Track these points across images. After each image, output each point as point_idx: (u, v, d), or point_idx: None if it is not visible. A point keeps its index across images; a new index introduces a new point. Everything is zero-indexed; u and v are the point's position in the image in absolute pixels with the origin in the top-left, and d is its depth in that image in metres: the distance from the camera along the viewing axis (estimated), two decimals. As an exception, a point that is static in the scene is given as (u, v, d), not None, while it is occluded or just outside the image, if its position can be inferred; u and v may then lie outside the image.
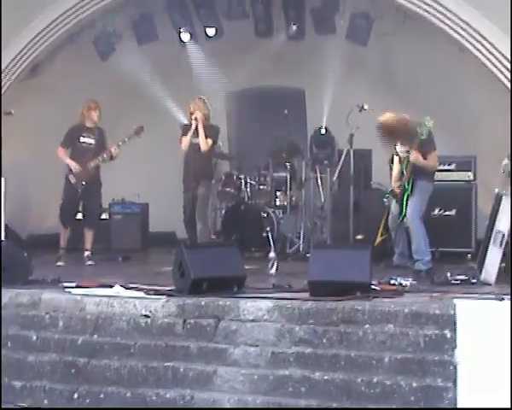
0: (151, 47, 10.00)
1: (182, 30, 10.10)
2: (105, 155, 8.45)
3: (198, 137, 8.37)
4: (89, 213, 8.61)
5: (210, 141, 8.39)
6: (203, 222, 8.45)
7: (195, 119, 8.33)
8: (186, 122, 8.43)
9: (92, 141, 8.50)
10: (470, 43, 8.38)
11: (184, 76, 10.45)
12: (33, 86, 9.87)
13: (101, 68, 10.16)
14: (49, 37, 9.51)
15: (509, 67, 8.20)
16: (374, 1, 8.99)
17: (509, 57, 8.18)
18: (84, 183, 8.40)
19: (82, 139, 8.51)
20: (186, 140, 8.41)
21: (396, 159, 7.71)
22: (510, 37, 8.00)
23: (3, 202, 8.04)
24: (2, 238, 7.75)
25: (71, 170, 8.44)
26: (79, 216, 8.72)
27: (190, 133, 8.37)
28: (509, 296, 5.30)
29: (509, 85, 8.26)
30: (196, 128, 8.34)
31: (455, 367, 4.75)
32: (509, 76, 8.22)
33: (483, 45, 8.31)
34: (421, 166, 7.25)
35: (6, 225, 8.26)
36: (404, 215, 7.38)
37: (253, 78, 10.95)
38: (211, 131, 8.43)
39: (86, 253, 8.59)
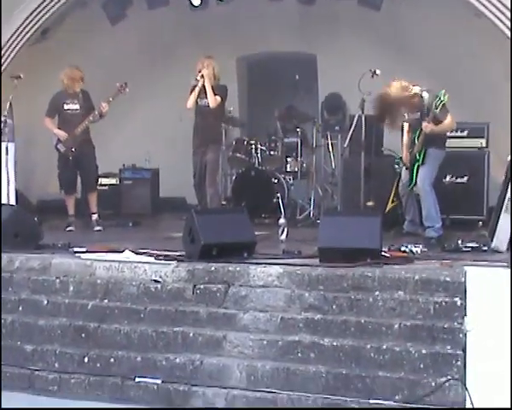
0: (161, 11, 9.91)
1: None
2: (91, 117, 8.40)
3: (205, 97, 8.24)
4: (86, 177, 8.61)
5: (218, 98, 8.25)
6: (214, 188, 8.41)
7: (202, 76, 8.22)
8: (194, 83, 8.32)
9: (77, 106, 8.48)
10: (486, 7, 8.24)
11: (195, 40, 10.37)
12: (42, 50, 9.83)
13: (110, 33, 10.10)
14: (59, 1, 9.43)
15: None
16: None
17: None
18: (73, 149, 8.41)
19: (66, 106, 8.49)
20: (191, 98, 8.31)
21: (406, 126, 7.65)
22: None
23: (14, 167, 8.06)
24: (14, 203, 7.78)
25: (59, 139, 8.46)
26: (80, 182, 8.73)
27: (196, 91, 8.28)
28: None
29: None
30: (203, 87, 8.24)
31: (464, 335, 4.75)
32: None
33: (499, 10, 8.16)
34: (436, 133, 7.19)
35: (16, 191, 8.28)
36: (414, 184, 7.35)
37: (264, 42, 10.86)
38: (219, 90, 8.29)
39: (94, 217, 8.61)
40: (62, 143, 8.46)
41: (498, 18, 8.20)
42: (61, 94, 8.56)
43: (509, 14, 8.11)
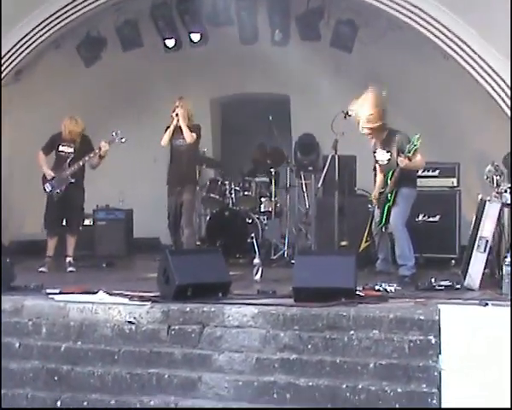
0: (136, 53, 9.97)
1: (166, 36, 10.07)
2: (87, 158, 8.38)
3: (180, 136, 8.28)
4: (70, 219, 8.59)
5: (194, 134, 8.29)
6: (190, 228, 8.39)
7: (176, 114, 8.28)
8: (168, 124, 8.37)
9: (71, 150, 8.50)
10: (453, 50, 8.42)
11: (169, 82, 10.43)
12: (15, 92, 9.82)
13: (84, 74, 10.13)
14: (33, 42, 9.46)
15: (491, 73, 8.25)
16: (359, 8, 9.01)
17: (491, 64, 8.23)
18: (58, 191, 8.39)
19: (60, 148, 8.52)
20: (166, 136, 8.33)
21: (378, 168, 7.71)
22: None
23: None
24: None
25: (46, 178, 8.44)
26: (64, 223, 8.68)
27: (170, 129, 8.31)
28: (493, 302, 5.33)
29: (491, 92, 8.30)
30: (178, 126, 8.26)
31: (439, 373, 4.76)
32: (492, 83, 8.27)
33: (465, 52, 8.35)
34: (407, 172, 7.25)
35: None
36: (384, 224, 7.38)
37: (237, 84, 10.96)
38: (193, 128, 8.34)
39: (68, 259, 8.55)
40: (49, 183, 8.43)
41: (465, 60, 8.38)
42: (58, 135, 8.56)
43: (474, 55, 8.29)
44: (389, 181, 7.35)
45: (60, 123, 8.60)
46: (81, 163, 8.40)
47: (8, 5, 8.97)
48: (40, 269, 8.24)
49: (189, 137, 8.22)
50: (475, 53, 8.29)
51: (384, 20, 8.95)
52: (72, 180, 8.42)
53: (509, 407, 4.58)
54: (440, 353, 4.86)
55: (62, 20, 9.35)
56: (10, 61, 9.50)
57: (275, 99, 11.06)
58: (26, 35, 9.38)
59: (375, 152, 7.57)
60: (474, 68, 8.35)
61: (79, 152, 8.46)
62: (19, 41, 9.40)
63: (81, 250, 9.50)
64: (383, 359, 4.93)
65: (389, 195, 7.34)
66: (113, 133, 8.50)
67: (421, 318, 5.08)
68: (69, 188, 8.43)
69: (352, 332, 5.11)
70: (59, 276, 8.01)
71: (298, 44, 9.79)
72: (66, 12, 9.28)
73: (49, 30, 9.40)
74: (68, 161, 8.44)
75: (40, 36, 9.41)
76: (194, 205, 8.72)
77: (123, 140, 8.53)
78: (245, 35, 9.94)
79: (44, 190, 8.50)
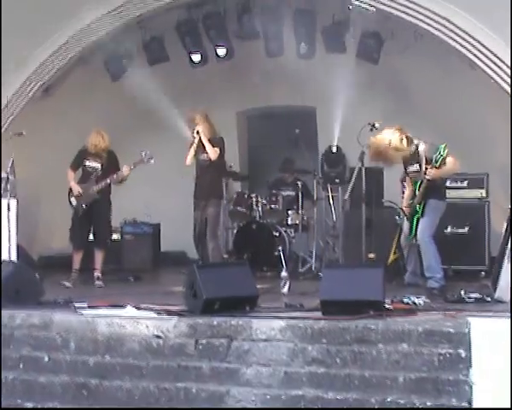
0: (162, 67, 10.04)
1: (192, 51, 10.13)
2: (115, 176, 8.46)
3: (204, 151, 8.30)
4: (97, 234, 8.67)
5: (217, 150, 8.30)
6: (214, 241, 8.41)
7: (197, 132, 8.30)
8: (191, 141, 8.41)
9: (98, 165, 8.58)
10: (481, 60, 8.37)
11: (195, 96, 10.48)
12: (45, 107, 9.93)
13: (112, 89, 10.22)
14: (61, 59, 9.58)
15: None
16: (384, 20, 8.99)
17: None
18: (84, 205, 8.46)
19: (87, 163, 8.60)
20: (190, 154, 8.36)
21: (407, 179, 7.68)
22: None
23: (16, 223, 8.08)
24: (15, 259, 7.77)
25: (72, 192, 8.53)
26: (91, 237, 8.74)
27: (193, 147, 8.34)
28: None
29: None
30: (201, 142, 8.28)
31: (470, 387, 4.70)
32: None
33: (493, 62, 8.29)
34: (437, 182, 7.20)
35: (18, 246, 8.28)
36: (414, 236, 7.34)
37: (263, 97, 10.99)
38: (216, 142, 8.34)
39: (96, 273, 8.60)
40: (75, 198, 8.51)
41: (492, 69, 8.32)
42: (84, 151, 8.65)
43: (501, 64, 8.23)
44: (417, 192, 7.31)
45: (86, 137, 8.68)
46: (108, 181, 8.47)
47: (38, 21, 9.10)
48: (65, 283, 8.28)
49: (212, 153, 8.25)
50: (503, 62, 8.22)
51: (410, 31, 8.92)
52: (98, 196, 8.48)
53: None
54: (471, 366, 4.79)
55: (90, 37, 9.46)
56: (39, 77, 9.63)
57: (301, 111, 11.06)
58: (55, 52, 9.51)
59: (404, 163, 7.54)
60: (501, 78, 8.29)
61: (106, 168, 8.53)
62: (48, 58, 9.52)
63: (109, 264, 9.56)
64: (412, 372, 4.86)
65: (418, 206, 7.29)
66: (143, 153, 8.52)
67: (451, 331, 5.01)
68: (96, 202, 8.50)
69: (380, 345, 5.06)
70: (87, 290, 8.06)
71: (324, 57, 9.80)
72: (93, 29, 9.39)
73: (76, 47, 9.50)
74: (95, 176, 8.51)
75: (68, 53, 9.53)
76: (218, 219, 8.73)
77: (152, 161, 8.53)
78: (271, 48, 9.97)
79: (70, 203, 8.58)
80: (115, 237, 10.56)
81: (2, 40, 9.00)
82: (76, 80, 10.07)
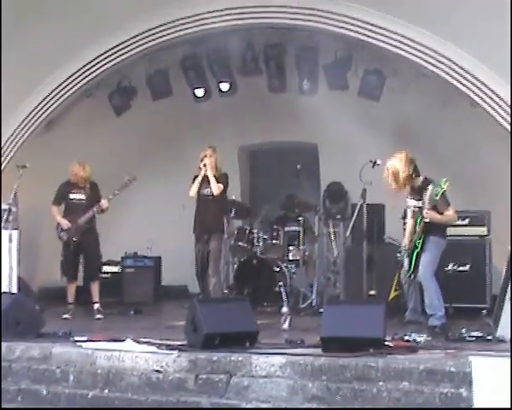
0: (165, 102, 10.11)
1: (196, 86, 10.21)
2: (95, 209, 8.54)
3: (208, 186, 8.34)
4: (88, 265, 8.69)
5: (221, 185, 8.36)
6: (217, 277, 8.38)
7: (204, 164, 8.34)
8: (196, 174, 8.45)
9: (83, 196, 8.65)
10: (481, 98, 8.43)
11: (198, 130, 10.54)
12: (48, 140, 9.98)
13: (114, 123, 10.28)
14: (65, 93, 9.65)
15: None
16: (386, 58, 9.08)
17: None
18: (74, 239, 8.50)
19: (72, 196, 8.67)
20: (194, 186, 8.39)
21: (409, 213, 7.68)
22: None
23: (18, 254, 8.09)
24: (15, 291, 7.76)
25: (62, 227, 8.55)
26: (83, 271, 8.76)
27: (198, 179, 8.37)
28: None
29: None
30: (206, 176, 8.32)
31: (471, 426, 4.66)
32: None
33: (492, 100, 8.36)
34: (436, 222, 7.21)
35: (19, 278, 8.28)
36: (412, 272, 7.32)
37: (266, 133, 11.05)
38: (220, 178, 8.39)
39: (95, 306, 8.61)
40: (64, 232, 8.55)
41: (493, 108, 8.38)
42: (67, 184, 8.71)
43: (502, 103, 8.29)
44: (417, 228, 7.31)
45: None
46: (91, 213, 8.52)
47: (43, 56, 9.19)
48: (64, 316, 8.30)
49: (216, 189, 8.28)
50: (502, 100, 8.28)
51: (411, 69, 9.00)
52: (87, 227, 8.51)
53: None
54: (472, 406, 4.75)
55: (95, 71, 9.54)
56: (43, 111, 9.69)
57: (303, 147, 11.12)
58: (59, 85, 9.58)
59: (408, 198, 7.54)
60: (501, 116, 8.35)
61: (90, 199, 8.60)
62: (51, 92, 9.59)
63: (109, 297, 9.57)
64: (413, 411, 4.84)
65: (417, 242, 7.28)
66: (125, 178, 8.63)
67: (452, 370, 4.98)
68: (84, 235, 8.53)
69: (381, 383, 5.02)
70: (87, 323, 8.04)
71: (326, 93, 9.86)
72: (98, 62, 9.48)
73: (81, 80, 9.58)
74: (81, 207, 8.55)
75: (73, 86, 9.60)
76: (220, 254, 8.73)
77: (135, 182, 8.67)
78: (273, 84, 10.05)
79: (60, 238, 8.61)
80: (115, 269, 10.56)
81: (8, 71, 9.10)
82: (79, 113, 10.12)
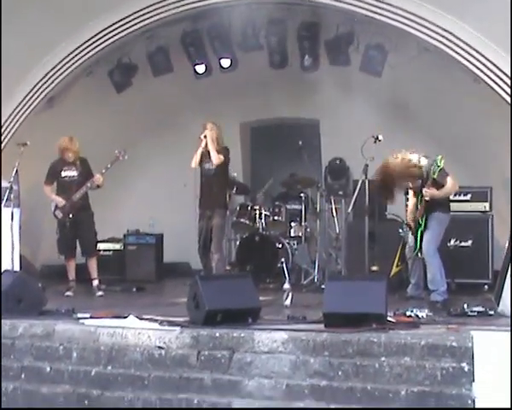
0: (166, 78, 10.06)
1: (197, 62, 10.16)
2: (89, 184, 8.51)
3: (209, 160, 8.26)
4: (84, 242, 8.67)
5: (221, 156, 8.29)
6: (219, 253, 8.38)
7: (204, 136, 8.30)
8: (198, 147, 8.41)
9: (74, 173, 8.61)
10: (484, 73, 8.37)
11: (199, 107, 10.50)
12: (49, 118, 9.95)
13: (115, 100, 10.24)
14: (65, 70, 9.60)
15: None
16: (388, 33, 9.01)
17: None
18: (70, 215, 8.49)
19: (63, 173, 8.64)
20: (195, 157, 8.33)
21: (410, 192, 7.68)
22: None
23: (19, 232, 8.10)
24: (18, 269, 7.78)
25: (56, 205, 8.54)
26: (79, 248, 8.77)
27: (199, 151, 8.33)
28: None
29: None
30: (207, 150, 8.26)
31: (473, 401, 4.68)
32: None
33: (497, 75, 8.30)
34: (439, 198, 7.21)
35: (21, 256, 8.29)
36: (419, 250, 7.33)
37: (267, 109, 11.00)
38: (221, 151, 8.34)
39: (94, 282, 8.63)
40: (59, 210, 8.54)
41: (496, 83, 8.33)
42: (58, 161, 8.69)
43: (506, 78, 8.24)
44: (419, 205, 7.31)
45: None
46: (84, 189, 8.50)
47: (43, 33, 9.14)
48: (66, 294, 8.32)
49: (216, 159, 8.23)
50: (507, 75, 8.23)
51: (413, 44, 8.93)
52: (81, 203, 8.51)
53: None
54: (474, 380, 4.77)
55: (95, 48, 9.49)
56: (43, 88, 9.65)
57: (304, 124, 11.07)
58: (60, 62, 9.53)
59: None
60: (505, 91, 8.30)
61: (82, 175, 8.57)
62: (51, 69, 9.54)
63: (111, 275, 9.58)
64: (415, 386, 4.85)
65: (420, 219, 7.29)
66: (116, 152, 8.60)
67: (454, 344, 5.00)
68: (79, 210, 8.52)
69: (383, 359, 5.04)
70: (89, 300, 8.06)
71: (327, 69, 9.81)
72: (98, 39, 9.42)
73: (81, 57, 9.54)
74: (75, 184, 8.53)
75: (73, 63, 9.56)
76: (223, 230, 8.72)
77: (126, 156, 8.61)
78: (274, 60, 9.99)
79: (56, 216, 8.60)
80: (117, 246, 10.57)
81: (8, 49, 9.06)
82: (80, 92, 10.08)
